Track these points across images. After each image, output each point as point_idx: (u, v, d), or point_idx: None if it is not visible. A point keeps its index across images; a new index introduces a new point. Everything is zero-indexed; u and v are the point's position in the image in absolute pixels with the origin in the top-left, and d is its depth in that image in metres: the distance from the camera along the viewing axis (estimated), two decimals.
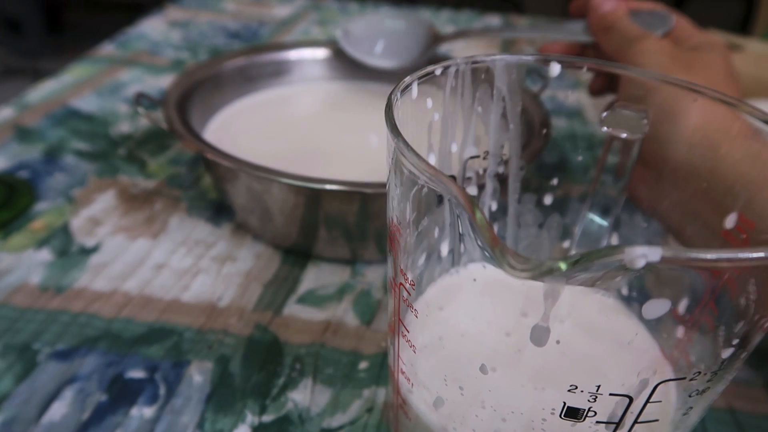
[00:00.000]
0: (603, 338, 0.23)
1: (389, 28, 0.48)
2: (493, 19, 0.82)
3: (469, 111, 0.23)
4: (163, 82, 0.56)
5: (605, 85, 0.37)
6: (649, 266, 0.12)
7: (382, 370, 0.28)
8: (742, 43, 0.55)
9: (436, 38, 0.46)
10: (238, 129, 0.43)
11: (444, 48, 0.70)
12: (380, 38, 0.48)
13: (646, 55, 0.31)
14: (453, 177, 0.23)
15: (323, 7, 0.83)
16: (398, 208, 0.18)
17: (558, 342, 0.20)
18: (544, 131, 0.35)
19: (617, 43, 0.33)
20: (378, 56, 0.47)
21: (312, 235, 0.34)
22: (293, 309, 0.32)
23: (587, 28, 0.37)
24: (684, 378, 0.18)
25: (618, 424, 0.16)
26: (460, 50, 0.70)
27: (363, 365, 0.28)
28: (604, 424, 0.16)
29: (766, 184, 0.21)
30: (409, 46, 0.47)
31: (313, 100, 0.48)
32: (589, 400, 0.16)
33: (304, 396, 0.27)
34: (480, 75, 0.22)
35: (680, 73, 0.30)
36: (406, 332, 0.19)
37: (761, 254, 0.12)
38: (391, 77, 0.49)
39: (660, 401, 0.16)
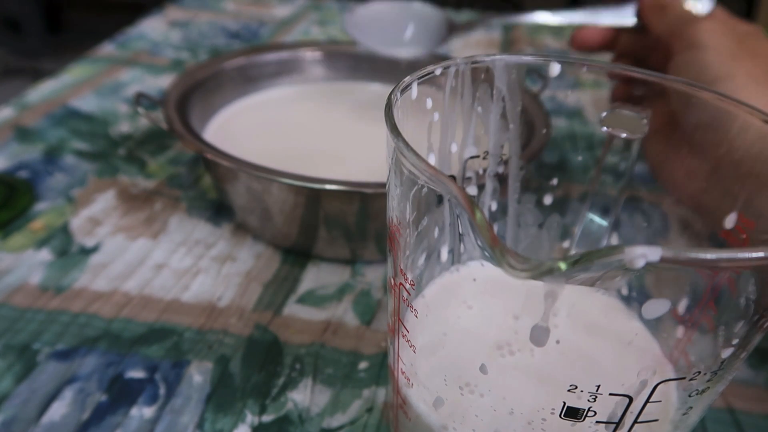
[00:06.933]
0: (603, 338, 0.23)
1: (402, 17, 0.45)
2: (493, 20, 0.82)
3: (469, 111, 0.23)
4: (163, 82, 0.56)
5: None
6: (649, 266, 0.12)
7: (382, 370, 0.28)
8: None
9: (452, 27, 0.44)
10: (238, 129, 0.43)
11: (444, 48, 0.70)
12: (392, 27, 0.44)
13: (710, 35, 0.29)
14: (453, 177, 0.24)
15: (323, 7, 0.83)
16: (398, 208, 0.18)
17: (558, 342, 0.20)
18: (544, 131, 0.35)
19: (673, 23, 0.32)
20: (391, 46, 0.44)
21: (312, 235, 0.34)
22: (293, 309, 0.32)
23: (634, 11, 0.37)
24: (684, 378, 0.18)
25: (618, 424, 0.16)
26: (460, 50, 0.70)
27: (363, 365, 0.29)
28: (603, 424, 0.16)
29: (766, 184, 0.21)
30: (423, 37, 0.44)
31: (313, 100, 0.48)
32: (589, 400, 0.16)
33: (304, 396, 0.27)
34: (480, 75, 0.22)
35: (746, 60, 0.28)
36: (406, 332, 0.19)
37: (761, 254, 0.12)
38: (391, 77, 0.48)
39: (660, 401, 0.16)
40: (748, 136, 0.22)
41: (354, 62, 0.49)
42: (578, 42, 0.37)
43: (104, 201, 0.39)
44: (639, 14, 0.37)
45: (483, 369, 0.18)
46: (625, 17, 0.38)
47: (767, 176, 0.21)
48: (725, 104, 0.20)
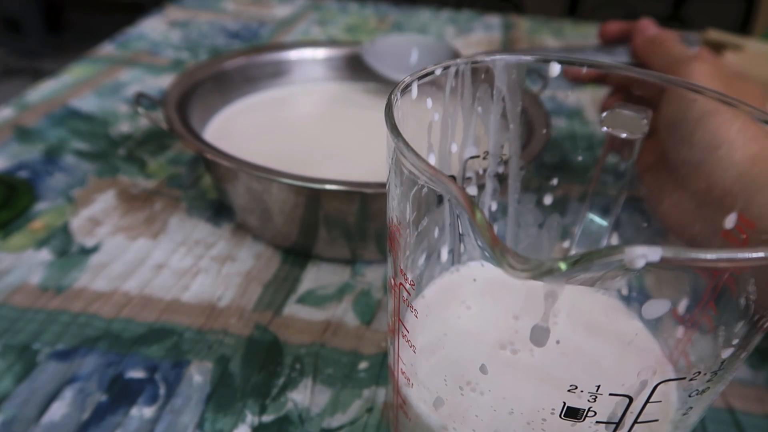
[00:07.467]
0: (603, 338, 0.23)
1: (411, 47, 0.50)
2: (493, 19, 0.82)
3: (469, 111, 0.23)
4: (163, 82, 0.56)
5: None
6: (649, 266, 0.12)
7: (382, 370, 0.28)
8: (742, 43, 0.55)
9: (457, 57, 0.48)
10: (238, 129, 0.43)
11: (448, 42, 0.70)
12: (405, 56, 0.50)
13: (699, 77, 0.31)
14: (453, 177, 0.24)
15: (323, 7, 0.83)
16: (398, 208, 0.18)
17: (558, 342, 0.20)
18: (544, 131, 0.35)
19: (666, 63, 0.34)
20: (402, 72, 0.48)
21: (312, 235, 0.34)
22: (293, 309, 0.32)
23: (628, 51, 0.40)
24: (684, 378, 0.18)
25: (618, 424, 0.16)
26: (461, 50, 0.70)
27: (363, 365, 0.29)
28: (604, 424, 0.16)
29: (766, 184, 0.21)
30: (428, 64, 0.49)
31: (313, 100, 0.48)
32: (589, 400, 0.16)
33: (304, 396, 0.27)
34: (480, 75, 0.22)
35: None
36: (406, 332, 0.19)
37: (761, 254, 0.12)
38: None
39: (660, 401, 0.16)
40: (748, 135, 0.22)
41: (354, 62, 0.49)
42: (571, 74, 0.39)
43: (104, 201, 0.39)
44: (634, 53, 0.39)
45: (483, 369, 0.18)
46: (619, 57, 0.40)
47: (766, 175, 0.21)
48: (726, 104, 0.20)
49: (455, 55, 0.49)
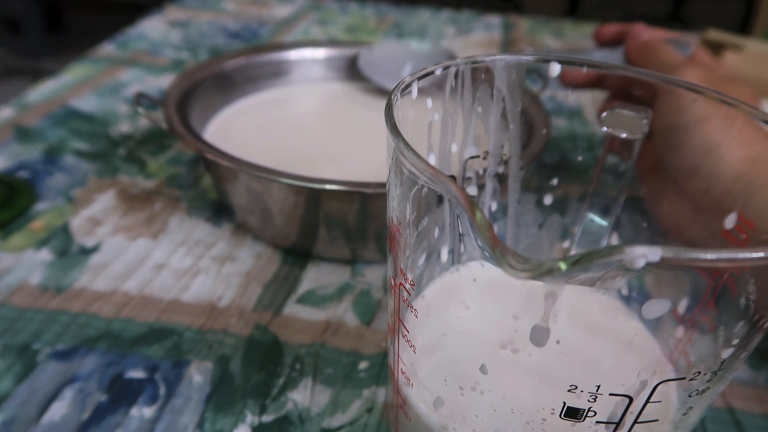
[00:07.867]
0: (603, 338, 0.23)
1: (405, 56, 0.51)
2: (493, 19, 0.82)
3: (469, 111, 0.23)
4: (163, 82, 0.56)
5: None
6: (649, 266, 0.12)
7: (382, 370, 0.28)
8: (742, 43, 0.55)
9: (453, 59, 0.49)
10: (238, 129, 0.43)
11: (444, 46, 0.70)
12: (399, 65, 0.50)
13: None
14: (453, 177, 0.24)
15: (323, 7, 0.83)
16: (398, 208, 0.18)
17: (558, 342, 0.20)
18: (544, 131, 0.35)
19: (657, 68, 0.34)
20: (395, 81, 0.49)
21: (312, 235, 0.34)
22: (293, 309, 0.32)
23: (621, 55, 0.40)
24: (684, 378, 0.18)
25: (618, 424, 0.16)
26: (460, 50, 0.70)
27: (363, 365, 0.29)
28: (604, 424, 0.16)
29: (766, 184, 0.21)
30: None
31: (313, 100, 0.48)
32: (589, 400, 0.16)
33: (304, 396, 0.27)
34: (480, 75, 0.22)
35: (723, 104, 0.31)
36: (406, 332, 0.19)
37: (761, 254, 0.12)
38: None
39: (660, 401, 0.16)
40: (746, 137, 0.22)
41: (354, 62, 0.49)
42: (567, 78, 0.39)
43: (104, 201, 0.39)
44: (627, 58, 0.39)
45: (483, 369, 0.18)
46: (613, 61, 0.41)
47: (765, 177, 0.21)
48: (726, 105, 0.20)
49: (452, 58, 0.49)
